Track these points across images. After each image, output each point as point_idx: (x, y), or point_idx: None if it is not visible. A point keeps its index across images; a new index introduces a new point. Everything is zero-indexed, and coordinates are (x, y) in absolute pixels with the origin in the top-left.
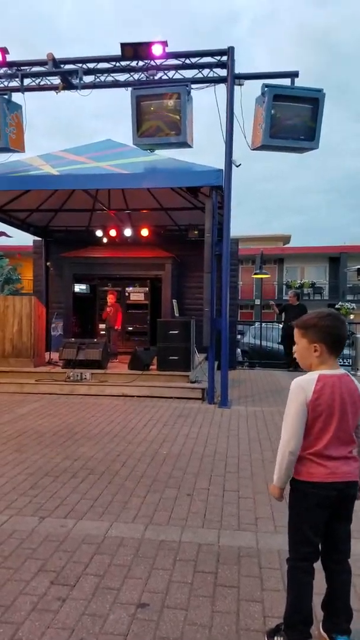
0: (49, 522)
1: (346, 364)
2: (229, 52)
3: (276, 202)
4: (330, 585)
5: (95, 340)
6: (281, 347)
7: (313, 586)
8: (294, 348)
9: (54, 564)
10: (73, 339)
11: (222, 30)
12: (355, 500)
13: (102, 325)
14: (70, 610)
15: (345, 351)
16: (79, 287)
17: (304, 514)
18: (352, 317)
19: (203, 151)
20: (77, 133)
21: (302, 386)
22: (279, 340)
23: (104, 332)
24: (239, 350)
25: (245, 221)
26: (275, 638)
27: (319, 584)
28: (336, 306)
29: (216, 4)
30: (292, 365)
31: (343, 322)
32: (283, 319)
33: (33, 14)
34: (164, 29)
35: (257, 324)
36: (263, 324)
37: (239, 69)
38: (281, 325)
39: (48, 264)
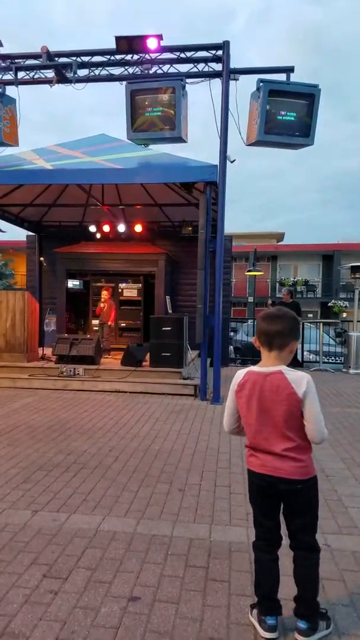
0: (42, 516)
1: (338, 361)
2: (224, 46)
3: (270, 200)
4: (293, 572)
5: (88, 336)
6: None
7: (270, 565)
8: None
9: (47, 557)
10: (66, 335)
11: (218, 27)
12: (296, 498)
13: (95, 321)
14: (63, 603)
15: (338, 349)
16: (72, 283)
17: (250, 498)
18: (345, 315)
19: (199, 147)
20: (72, 128)
21: (236, 375)
22: None
23: (96, 328)
24: (231, 347)
25: (239, 218)
26: (254, 610)
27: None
28: (329, 304)
29: (212, 1)
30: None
31: (272, 318)
32: None
33: (28, 9)
34: (160, 24)
35: (250, 321)
36: (256, 321)
37: (234, 65)
38: None
39: (41, 259)
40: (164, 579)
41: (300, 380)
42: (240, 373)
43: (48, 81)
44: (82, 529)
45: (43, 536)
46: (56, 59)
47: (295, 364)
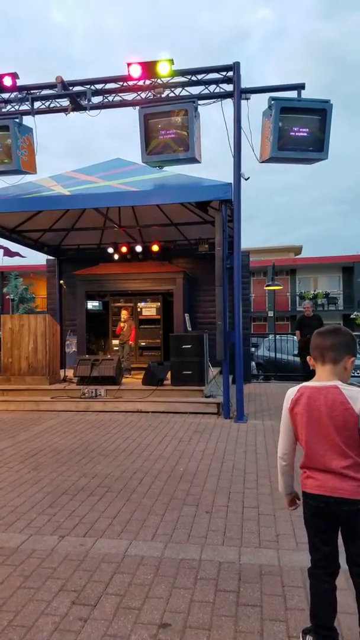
0: (69, 541)
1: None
2: (235, 67)
3: (287, 214)
4: (357, 599)
5: (108, 356)
6: (297, 359)
7: (329, 595)
8: None
9: (75, 584)
10: (87, 356)
11: (232, 48)
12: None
13: (115, 341)
14: (92, 631)
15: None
16: (91, 304)
17: (307, 522)
18: None
19: (214, 165)
20: (89, 152)
21: (288, 394)
22: (295, 352)
23: (116, 348)
24: (253, 363)
25: (256, 233)
26: (308, 637)
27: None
28: (351, 316)
29: (226, 23)
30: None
31: (326, 332)
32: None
33: (46, 40)
34: (175, 46)
35: (271, 336)
36: (277, 336)
37: (250, 84)
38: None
39: (61, 282)
40: (194, 605)
41: (357, 396)
42: (292, 390)
43: (63, 110)
44: (109, 554)
45: (70, 562)
46: (71, 88)
47: None
